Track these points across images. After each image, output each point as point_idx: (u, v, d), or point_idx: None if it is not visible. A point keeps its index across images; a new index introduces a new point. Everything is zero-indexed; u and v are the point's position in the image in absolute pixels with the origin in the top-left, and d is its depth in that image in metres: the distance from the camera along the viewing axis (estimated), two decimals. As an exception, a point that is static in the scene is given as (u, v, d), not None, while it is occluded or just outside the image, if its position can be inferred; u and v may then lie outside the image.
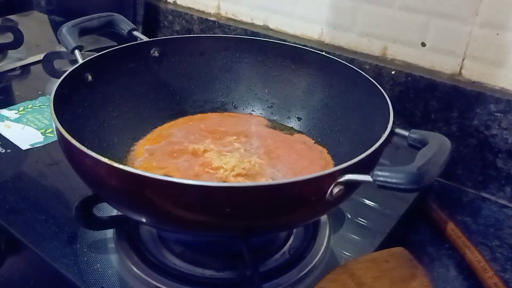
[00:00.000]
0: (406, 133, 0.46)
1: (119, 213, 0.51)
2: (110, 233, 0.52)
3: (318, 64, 0.62)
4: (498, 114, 0.63)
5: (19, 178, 0.61)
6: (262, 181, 0.37)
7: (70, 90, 0.51)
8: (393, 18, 0.71)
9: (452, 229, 0.57)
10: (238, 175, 0.53)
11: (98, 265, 0.48)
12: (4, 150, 0.66)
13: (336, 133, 0.59)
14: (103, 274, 0.47)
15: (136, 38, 0.63)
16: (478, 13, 0.63)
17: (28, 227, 0.53)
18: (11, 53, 0.94)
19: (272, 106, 0.66)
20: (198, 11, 0.95)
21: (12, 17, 1.13)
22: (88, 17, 0.62)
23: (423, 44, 0.70)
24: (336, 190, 0.38)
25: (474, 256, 0.53)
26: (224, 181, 0.51)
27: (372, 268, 0.46)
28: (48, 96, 0.81)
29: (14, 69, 0.91)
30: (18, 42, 0.94)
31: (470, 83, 0.66)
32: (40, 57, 0.85)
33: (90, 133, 0.53)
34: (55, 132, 0.43)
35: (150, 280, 0.46)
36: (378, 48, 0.74)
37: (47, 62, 0.80)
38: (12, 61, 0.92)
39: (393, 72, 0.71)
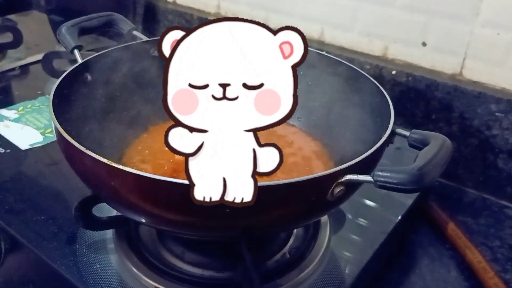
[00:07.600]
0: (407, 133, 0.46)
1: (119, 213, 0.51)
2: (109, 233, 0.51)
3: (318, 64, 0.62)
4: (499, 114, 0.63)
5: (19, 178, 0.61)
6: (262, 181, 0.37)
7: (69, 90, 0.51)
8: (394, 18, 0.71)
9: (452, 229, 0.57)
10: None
11: (98, 266, 0.48)
12: (3, 150, 0.65)
13: (336, 133, 0.59)
14: (102, 274, 0.47)
15: (136, 37, 0.63)
16: (479, 13, 0.63)
17: (28, 227, 0.52)
18: (10, 52, 0.94)
19: (272, 106, 0.66)
20: (198, 10, 0.95)
21: (11, 16, 1.13)
22: (87, 16, 0.62)
23: (424, 44, 0.69)
24: (336, 190, 0.38)
25: (475, 257, 0.53)
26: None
27: None
28: (47, 96, 0.80)
29: (13, 69, 0.90)
30: (17, 41, 0.94)
31: (471, 83, 0.66)
32: (39, 57, 0.85)
33: (89, 133, 0.53)
34: (54, 132, 0.43)
35: (149, 280, 0.46)
36: (378, 48, 0.74)
37: (47, 62, 0.80)
38: (12, 60, 0.92)
39: (393, 72, 0.71)
